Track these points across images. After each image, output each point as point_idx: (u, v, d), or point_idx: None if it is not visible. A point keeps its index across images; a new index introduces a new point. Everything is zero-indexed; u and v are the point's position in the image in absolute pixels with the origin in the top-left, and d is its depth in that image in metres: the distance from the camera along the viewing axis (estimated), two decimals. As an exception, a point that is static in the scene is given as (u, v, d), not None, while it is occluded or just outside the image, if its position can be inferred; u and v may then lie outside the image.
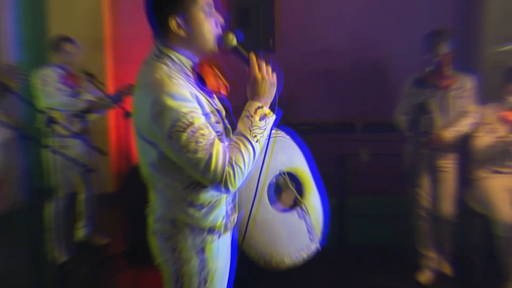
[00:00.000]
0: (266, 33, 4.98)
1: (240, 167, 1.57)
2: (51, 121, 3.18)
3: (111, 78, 5.73)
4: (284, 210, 2.13)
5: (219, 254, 1.81)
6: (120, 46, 5.75)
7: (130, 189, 5.12)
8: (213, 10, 1.70)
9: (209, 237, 1.76)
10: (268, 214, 2.07)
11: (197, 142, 1.52)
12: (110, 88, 5.48)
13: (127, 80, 5.67)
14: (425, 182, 3.73)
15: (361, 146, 4.47)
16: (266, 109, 1.66)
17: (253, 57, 1.68)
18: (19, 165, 2.96)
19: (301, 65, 5.38)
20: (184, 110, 1.52)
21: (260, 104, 1.65)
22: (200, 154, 1.52)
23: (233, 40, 1.70)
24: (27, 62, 5.58)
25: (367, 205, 4.46)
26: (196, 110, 1.56)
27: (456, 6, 5.39)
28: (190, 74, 1.69)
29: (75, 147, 4.17)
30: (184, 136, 1.51)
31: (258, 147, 1.64)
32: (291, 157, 2.15)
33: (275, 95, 1.70)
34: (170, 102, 1.52)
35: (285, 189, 2.16)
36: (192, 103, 1.56)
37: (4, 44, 5.50)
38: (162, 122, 1.53)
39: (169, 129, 1.52)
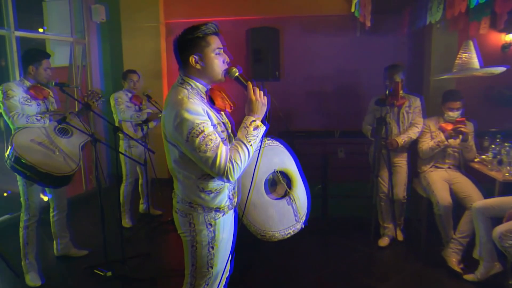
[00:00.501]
0: (273, 66, 4.90)
1: (237, 164, 1.59)
2: (118, 129, 3.16)
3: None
4: (277, 199, 2.09)
5: (224, 228, 1.81)
6: (173, 75, 5.79)
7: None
8: (222, 51, 1.74)
9: (216, 215, 1.76)
10: (264, 200, 2.03)
11: (206, 145, 1.56)
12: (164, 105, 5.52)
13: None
14: (384, 173, 3.66)
15: (339, 147, 4.41)
16: (258, 122, 1.68)
17: (249, 84, 1.70)
18: (96, 159, 2.94)
19: (298, 88, 5.36)
20: (197, 121, 1.57)
21: (254, 119, 1.68)
22: (209, 154, 1.56)
23: (235, 72, 1.73)
24: (108, 88, 5.65)
25: (343, 188, 4.40)
26: (206, 122, 1.59)
27: (411, 44, 5.26)
28: (204, 96, 1.72)
29: (137, 147, 4.19)
30: (197, 140, 1.56)
31: (251, 149, 1.65)
32: (283, 160, 2.12)
33: (266, 112, 1.72)
34: (187, 115, 1.56)
35: (278, 183, 2.11)
36: (203, 116, 1.60)
37: (95, 75, 5.55)
38: (182, 130, 1.58)
39: (187, 135, 1.57)
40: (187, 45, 1.71)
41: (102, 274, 3.08)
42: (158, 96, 5.59)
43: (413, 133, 3.54)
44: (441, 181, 3.44)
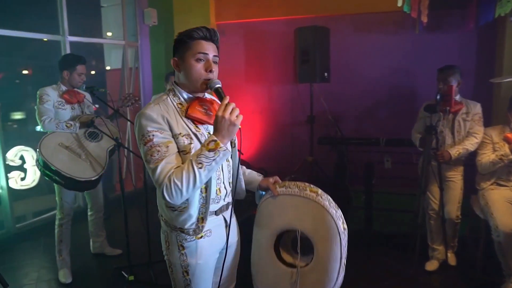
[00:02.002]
0: (322, 67, 4.58)
1: (176, 184, 1.40)
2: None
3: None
4: (282, 261, 1.81)
5: (198, 253, 1.61)
6: (222, 77, 5.59)
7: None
8: (208, 59, 1.54)
9: (182, 236, 1.59)
10: (266, 260, 1.82)
11: (151, 155, 1.45)
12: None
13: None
14: (434, 188, 3.20)
15: (385, 156, 3.96)
16: (220, 144, 1.42)
17: (224, 100, 1.45)
18: (119, 163, 2.90)
19: (347, 91, 4.95)
20: (149, 128, 1.46)
21: (215, 138, 1.43)
22: (151, 165, 1.45)
23: (215, 84, 1.52)
24: (159, 89, 5.72)
25: (389, 201, 3.96)
26: (159, 131, 1.47)
27: (478, 42, 4.59)
28: (183, 105, 1.56)
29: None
30: (144, 148, 1.47)
31: (202, 173, 1.42)
32: (317, 227, 1.68)
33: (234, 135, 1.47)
34: (141, 121, 1.48)
35: (293, 246, 1.80)
36: (157, 124, 1.47)
37: (146, 77, 5.66)
38: (136, 135, 1.50)
39: (138, 140, 1.49)
40: (174, 47, 1.59)
41: (126, 277, 3.04)
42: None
43: (470, 144, 3.03)
44: (503, 201, 2.90)
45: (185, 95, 1.58)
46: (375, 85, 4.84)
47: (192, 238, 1.59)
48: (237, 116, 1.42)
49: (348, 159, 4.39)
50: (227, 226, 1.72)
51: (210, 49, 1.54)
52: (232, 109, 1.42)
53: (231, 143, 1.71)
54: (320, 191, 1.69)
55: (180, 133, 1.51)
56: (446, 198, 3.13)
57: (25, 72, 6.11)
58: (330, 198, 1.68)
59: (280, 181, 1.76)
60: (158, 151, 1.44)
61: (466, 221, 3.34)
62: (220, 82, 1.55)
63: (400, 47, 4.72)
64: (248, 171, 1.88)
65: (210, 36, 1.55)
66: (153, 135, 1.46)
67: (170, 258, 1.64)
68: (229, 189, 1.69)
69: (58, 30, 4.33)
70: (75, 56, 3.18)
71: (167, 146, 1.46)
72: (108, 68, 5.50)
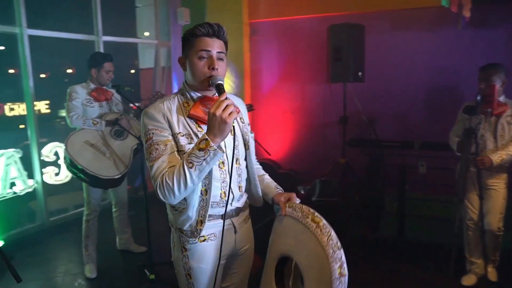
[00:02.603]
0: (356, 66, 4.40)
1: (168, 183, 1.38)
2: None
3: (248, 98, 5.65)
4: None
5: (198, 256, 1.57)
6: (255, 76, 5.66)
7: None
8: (211, 56, 1.48)
9: (184, 238, 1.56)
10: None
11: (150, 153, 1.45)
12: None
13: (260, 99, 5.63)
14: (473, 197, 2.94)
15: (420, 160, 3.71)
16: (211, 143, 1.35)
17: (221, 97, 1.38)
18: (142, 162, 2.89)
19: (382, 91, 4.72)
20: (149, 126, 1.47)
21: (206, 137, 1.36)
22: (149, 163, 1.45)
23: (216, 81, 1.45)
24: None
25: (423, 208, 3.73)
26: (158, 129, 1.46)
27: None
28: (190, 104, 1.53)
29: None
30: (145, 146, 1.48)
31: (192, 172, 1.37)
32: (310, 263, 1.42)
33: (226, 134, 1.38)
34: (143, 118, 1.50)
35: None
36: (157, 123, 1.47)
37: (178, 77, 5.69)
38: (141, 131, 1.53)
39: (142, 138, 1.49)
40: (182, 45, 1.56)
41: (147, 275, 3.04)
42: (240, 97, 5.51)
43: (516, 149, 2.77)
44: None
45: (193, 94, 1.55)
46: (413, 85, 4.58)
47: (195, 240, 1.55)
48: (230, 114, 1.33)
49: (381, 162, 4.19)
50: (236, 232, 1.65)
51: (213, 46, 1.48)
52: (226, 107, 1.34)
53: (244, 145, 1.64)
54: (322, 222, 1.38)
55: (180, 133, 1.48)
56: (487, 207, 2.88)
57: (69, 71, 6.37)
58: (333, 233, 1.36)
59: (294, 199, 1.60)
60: (156, 149, 1.44)
61: (511, 234, 3.06)
62: (223, 79, 1.48)
63: (441, 45, 4.43)
64: (267, 180, 1.78)
65: (214, 32, 1.49)
66: (152, 133, 1.46)
67: (175, 259, 1.63)
68: (238, 193, 1.63)
69: (93, 30, 4.43)
70: (102, 54, 3.23)
71: (166, 145, 1.45)
72: (142, 67, 5.58)
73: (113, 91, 3.24)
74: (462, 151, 2.90)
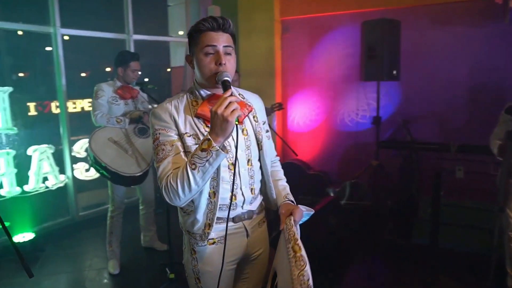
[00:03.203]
0: (390, 64, 4.19)
1: (172, 185, 1.33)
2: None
3: (279, 96, 5.56)
4: None
5: (207, 260, 1.52)
6: (286, 74, 5.55)
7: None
8: (218, 51, 1.41)
9: (193, 240, 1.52)
10: None
11: (157, 153, 1.41)
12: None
13: (291, 98, 5.52)
14: (515, 206, 2.67)
15: (457, 164, 3.46)
16: (212, 144, 1.28)
17: (224, 94, 1.30)
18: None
19: (419, 91, 4.47)
20: (156, 126, 1.44)
21: (209, 137, 1.29)
22: (156, 164, 1.41)
23: (223, 77, 1.38)
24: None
25: (459, 215, 3.47)
26: (165, 129, 1.42)
27: None
28: (198, 103, 1.48)
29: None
30: (153, 146, 1.45)
31: (196, 174, 1.31)
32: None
33: (230, 133, 1.31)
34: (151, 118, 1.47)
35: None
36: (164, 123, 1.43)
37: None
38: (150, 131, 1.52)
39: (151, 138, 1.48)
40: (188, 43, 1.50)
41: (168, 273, 3.03)
42: (271, 95, 5.44)
43: None
44: None
45: (203, 92, 1.49)
46: (451, 84, 4.29)
47: (204, 243, 1.50)
48: (232, 112, 1.25)
49: (416, 165, 3.96)
50: (248, 236, 1.59)
51: (219, 40, 1.40)
52: (228, 104, 1.26)
53: (258, 145, 1.56)
54: (300, 253, 1.22)
55: (187, 133, 1.42)
56: (531, 218, 2.63)
57: (108, 69, 6.54)
58: (307, 269, 1.17)
59: (297, 216, 1.47)
60: (163, 150, 1.40)
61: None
62: (229, 75, 1.40)
63: (484, 41, 4.12)
64: (281, 186, 1.69)
65: (219, 25, 1.41)
66: (159, 134, 1.42)
67: (185, 262, 1.59)
68: (250, 196, 1.55)
69: (124, 29, 4.51)
70: (129, 53, 3.25)
71: (172, 145, 1.40)
72: (173, 65, 5.62)
73: (137, 88, 3.26)
74: (503, 155, 2.66)
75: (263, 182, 1.65)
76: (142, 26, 4.88)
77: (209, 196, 1.44)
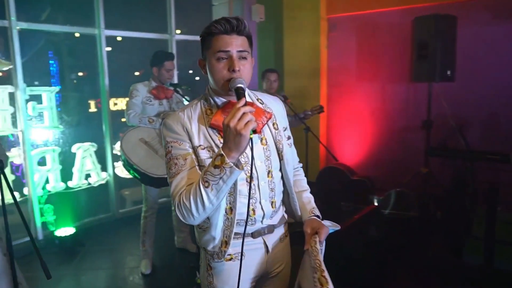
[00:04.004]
0: (444, 63, 3.85)
1: (185, 204, 1.23)
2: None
3: (323, 97, 5.35)
4: None
5: (223, 277, 1.43)
6: (332, 74, 5.33)
7: (323, 182, 4.71)
8: (231, 56, 1.29)
9: (209, 256, 1.42)
10: None
11: (170, 168, 1.32)
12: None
13: (336, 99, 5.29)
14: None
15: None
16: (226, 160, 1.16)
17: (237, 103, 1.17)
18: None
19: (476, 93, 4.06)
20: (168, 139, 1.34)
21: (222, 152, 1.17)
22: (170, 179, 1.31)
23: (236, 84, 1.26)
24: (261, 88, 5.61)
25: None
26: (177, 141, 1.32)
27: None
28: (213, 112, 1.36)
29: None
30: (166, 159, 1.35)
31: (209, 192, 1.20)
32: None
33: (245, 148, 1.19)
34: (163, 130, 1.37)
35: None
36: (176, 135, 1.32)
37: (253, 77, 5.59)
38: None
39: (163, 150, 1.38)
40: (201, 46, 1.38)
41: (196, 277, 2.97)
42: (315, 96, 5.24)
43: None
44: None
45: (217, 99, 1.38)
46: (507, 90, 3.85)
47: (221, 260, 1.39)
48: (246, 124, 1.13)
49: (470, 175, 3.59)
50: (269, 252, 1.47)
51: (232, 44, 1.28)
52: (242, 116, 1.14)
53: (278, 155, 1.44)
54: (328, 287, 1.21)
55: (200, 146, 1.32)
56: None
57: (137, 73, 6.72)
58: None
59: (322, 235, 1.38)
60: (176, 164, 1.30)
61: None
62: (244, 82, 1.27)
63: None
64: (305, 198, 1.57)
65: (233, 27, 1.28)
66: (171, 147, 1.32)
67: (200, 277, 1.50)
68: (270, 210, 1.44)
69: (166, 29, 4.54)
70: (164, 53, 3.23)
71: (185, 159, 1.30)
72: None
73: (172, 88, 3.24)
74: None
75: (286, 193, 1.53)
76: (186, 26, 4.90)
77: (225, 212, 1.34)
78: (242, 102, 1.17)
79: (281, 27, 5.56)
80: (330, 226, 1.43)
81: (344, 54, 5.15)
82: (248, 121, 1.14)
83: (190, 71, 6.00)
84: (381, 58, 4.78)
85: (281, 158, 1.45)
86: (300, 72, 5.44)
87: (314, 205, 1.55)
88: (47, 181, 3.79)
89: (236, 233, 1.38)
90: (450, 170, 3.89)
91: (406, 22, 4.19)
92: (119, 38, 4.38)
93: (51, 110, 3.75)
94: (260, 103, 1.48)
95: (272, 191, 1.43)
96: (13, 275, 2.05)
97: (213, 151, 1.31)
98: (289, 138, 1.54)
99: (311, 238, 1.37)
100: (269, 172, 1.42)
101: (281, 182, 1.49)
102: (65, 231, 3.73)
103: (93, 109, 4.59)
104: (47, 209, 3.79)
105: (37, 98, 3.69)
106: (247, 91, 1.45)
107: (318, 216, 1.49)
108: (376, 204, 4.16)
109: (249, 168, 1.37)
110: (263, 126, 1.39)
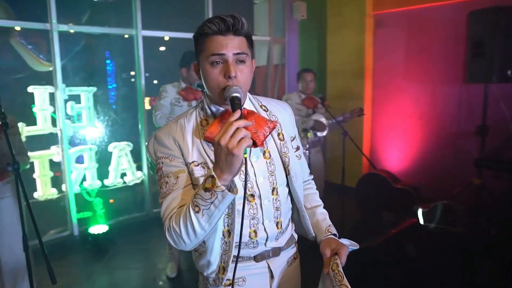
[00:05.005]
0: (504, 63, 3.40)
1: (175, 229, 1.09)
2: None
3: (368, 99, 5.02)
4: None
5: None
6: (378, 74, 4.97)
7: (363, 189, 4.40)
8: (226, 60, 1.12)
9: (206, 281, 1.27)
10: None
11: (160, 187, 1.18)
12: (367, 109, 4.85)
13: (382, 101, 4.93)
14: None
15: None
16: (217, 183, 1.01)
17: (231, 117, 1.02)
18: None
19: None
20: (159, 154, 1.20)
21: (213, 173, 1.02)
22: (160, 199, 1.17)
23: (231, 93, 1.09)
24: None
25: None
26: (168, 157, 1.18)
27: None
28: (209, 122, 1.21)
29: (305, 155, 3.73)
30: (157, 177, 1.21)
31: (200, 218, 1.05)
32: None
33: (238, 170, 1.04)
34: (154, 144, 1.22)
35: None
36: (168, 150, 1.18)
37: (293, 74, 5.38)
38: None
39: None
40: (194, 48, 1.23)
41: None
42: (358, 98, 4.93)
43: None
44: None
45: (214, 108, 1.22)
46: None
47: (218, 286, 1.25)
48: (239, 142, 0.98)
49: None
50: (273, 277, 1.30)
51: (228, 46, 1.12)
52: (235, 132, 0.98)
53: (284, 169, 1.27)
54: None
55: (194, 162, 1.17)
56: None
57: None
58: None
59: (342, 256, 1.22)
60: (167, 182, 1.17)
61: None
62: (240, 90, 1.10)
63: None
64: (319, 215, 1.39)
65: (228, 27, 1.12)
66: (162, 163, 1.19)
67: None
68: (275, 231, 1.27)
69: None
70: (192, 53, 3.13)
71: (177, 177, 1.16)
72: (256, 65, 5.44)
73: (200, 89, 3.14)
74: None
75: (295, 210, 1.35)
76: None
77: (223, 235, 1.19)
78: (237, 115, 1.01)
79: (324, 25, 5.28)
80: (348, 245, 1.27)
81: (391, 52, 4.77)
82: (241, 138, 0.98)
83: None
84: (431, 57, 4.36)
85: (287, 172, 1.27)
86: (344, 72, 5.13)
87: (329, 222, 1.38)
88: (84, 179, 3.86)
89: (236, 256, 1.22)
90: (507, 182, 3.43)
91: (460, 17, 3.77)
92: (166, 38, 4.38)
93: (89, 110, 3.82)
94: (264, 110, 1.30)
95: (278, 210, 1.26)
96: (29, 272, 2.08)
97: (208, 167, 1.16)
98: (297, 149, 1.35)
99: (330, 260, 1.21)
100: (273, 189, 1.25)
101: (289, 199, 1.32)
102: (99, 228, 3.79)
103: (147, 106, 4.67)
104: (97, 202, 3.87)
105: (75, 98, 3.78)
106: (248, 97, 1.28)
107: (335, 235, 1.32)
108: (420, 216, 3.78)
109: (250, 185, 1.22)
110: (265, 138, 1.20)
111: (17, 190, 2.03)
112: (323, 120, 3.69)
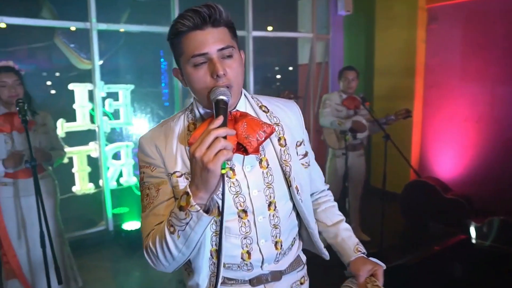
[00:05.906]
0: None
1: (151, 249, 0.97)
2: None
3: (419, 100, 4.62)
4: None
5: None
6: (431, 73, 4.55)
7: (409, 197, 4.04)
8: (211, 58, 0.96)
9: None
10: None
11: (142, 199, 1.06)
12: (417, 110, 4.47)
13: (434, 102, 4.50)
14: None
15: None
16: (191, 202, 0.86)
17: (210, 125, 0.86)
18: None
19: None
20: (140, 163, 1.07)
21: (188, 190, 0.87)
22: (142, 213, 1.06)
23: (217, 96, 0.94)
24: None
25: None
26: (149, 167, 1.04)
27: None
28: (196, 126, 1.05)
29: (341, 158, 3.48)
30: (139, 188, 1.09)
31: (176, 239, 0.92)
32: None
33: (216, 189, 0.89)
34: (138, 149, 1.08)
35: None
36: (149, 158, 1.04)
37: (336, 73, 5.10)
38: None
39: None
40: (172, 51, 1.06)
41: None
42: (407, 98, 4.54)
43: None
44: None
45: (202, 110, 1.07)
46: None
47: None
48: (216, 155, 0.82)
49: None
50: None
51: (209, 42, 0.95)
52: (212, 142, 0.82)
53: (286, 181, 1.09)
54: None
55: (176, 172, 1.01)
56: None
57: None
58: None
59: (380, 277, 1.10)
60: (147, 195, 1.04)
61: None
62: (227, 92, 0.95)
63: None
64: (344, 233, 1.22)
65: (204, 18, 0.94)
66: (143, 173, 1.06)
67: None
68: (274, 252, 1.09)
69: (243, 26, 4.31)
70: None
71: (158, 190, 1.02)
72: (300, 63, 5.20)
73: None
74: None
75: (303, 227, 1.16)
76: (269, 22, 4.63)
77: (211, 255, 1.04)
78: (218, 122, 0.85)
79: (372, 20, 4.93)
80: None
81: (445, 49, 4.33)
82: (219, 150, 0.82)
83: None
84: (491, 55, 3.89)
85: (289, 185, 1.08)
86: (393, 71, 4.76)
87: (357, 239, 1.22)
88: (120, 175, 3.89)
89: (229, 279, 1.08)
90: None
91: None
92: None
93: (126, 107, 3.83)
94: (264, 111, 1.11)
95: (276, 228, 1.08)
96: (46, 268, 2.10)
97: (187, 177, 1.00)
98: (305, 155, 1.15)
99: (367, 282, 1.10)
100: (270, 203, 1.06)
101: (293, 214, 1.13)
102: (132, 225, 3.79)
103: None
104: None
105: (113, 96, 3.80)
106: (245, 96, 1.10)
107: (364, 253, 1.18)
108: (472, 231, 3.37)
109: (242, 199, 1.05)
110: (260, 144, 1.01)
111: (36, 187, 2.02)
112: (363, 121, 3.41)
